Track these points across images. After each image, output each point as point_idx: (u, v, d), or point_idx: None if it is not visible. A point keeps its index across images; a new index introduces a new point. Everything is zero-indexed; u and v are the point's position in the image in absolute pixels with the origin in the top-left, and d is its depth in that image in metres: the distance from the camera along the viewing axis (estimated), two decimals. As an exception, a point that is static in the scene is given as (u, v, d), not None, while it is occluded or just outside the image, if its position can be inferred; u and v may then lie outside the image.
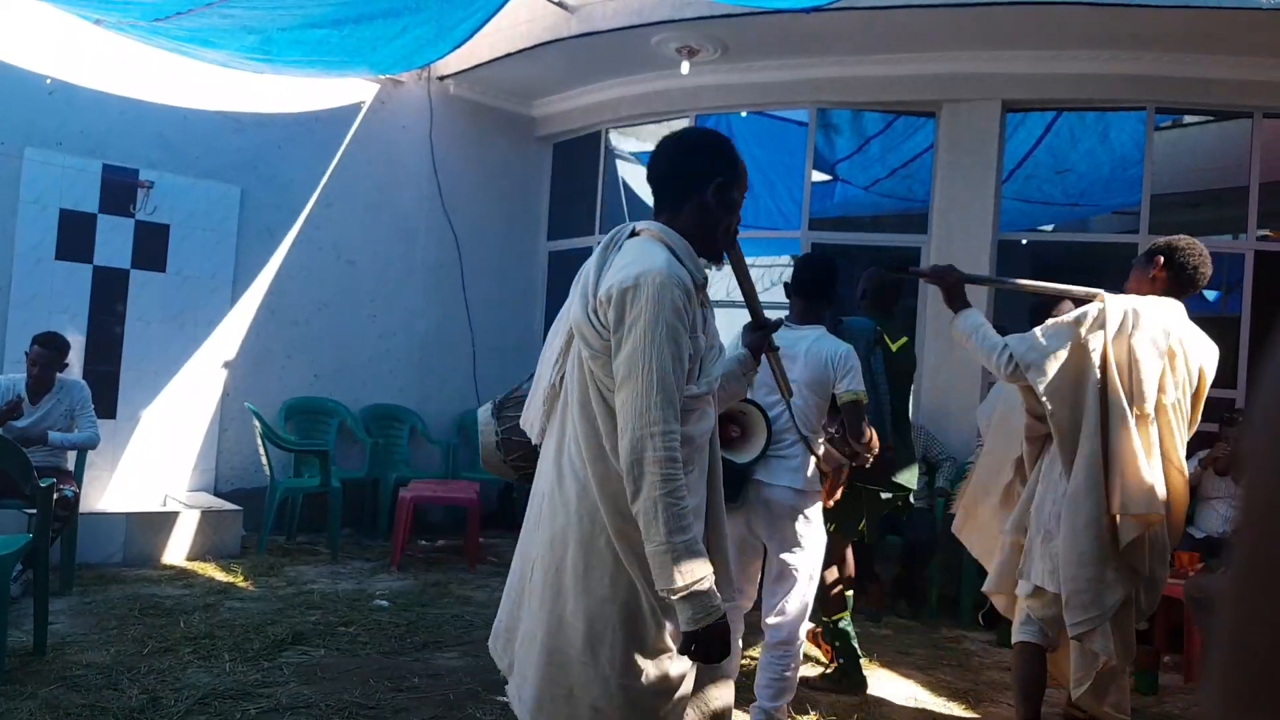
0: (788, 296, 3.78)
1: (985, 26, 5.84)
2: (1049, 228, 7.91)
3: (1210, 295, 9.57)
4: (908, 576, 5.78)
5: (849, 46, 6.33)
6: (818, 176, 7.21)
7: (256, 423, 6.35)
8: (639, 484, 1.80)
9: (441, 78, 7.50)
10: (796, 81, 6.76)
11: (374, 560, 6.27)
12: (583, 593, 1.88)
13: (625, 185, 8.23)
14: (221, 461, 6.77)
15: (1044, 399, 3.12)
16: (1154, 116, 6.35)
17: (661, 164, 2.11)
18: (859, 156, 7.65)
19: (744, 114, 7.51)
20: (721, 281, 9.31)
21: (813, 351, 3.56)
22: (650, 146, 8.78)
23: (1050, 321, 3.29)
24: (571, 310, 2.01)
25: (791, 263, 8.74)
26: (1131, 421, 3.04)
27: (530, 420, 2.14)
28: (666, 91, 7.16)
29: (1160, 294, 3.20)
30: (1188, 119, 7.57)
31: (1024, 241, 8.35)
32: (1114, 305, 3.14)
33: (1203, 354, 3.15)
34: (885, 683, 4.41)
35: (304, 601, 5.10)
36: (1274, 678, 0.37)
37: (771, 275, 9.69)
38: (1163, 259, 3.22)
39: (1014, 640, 3.40)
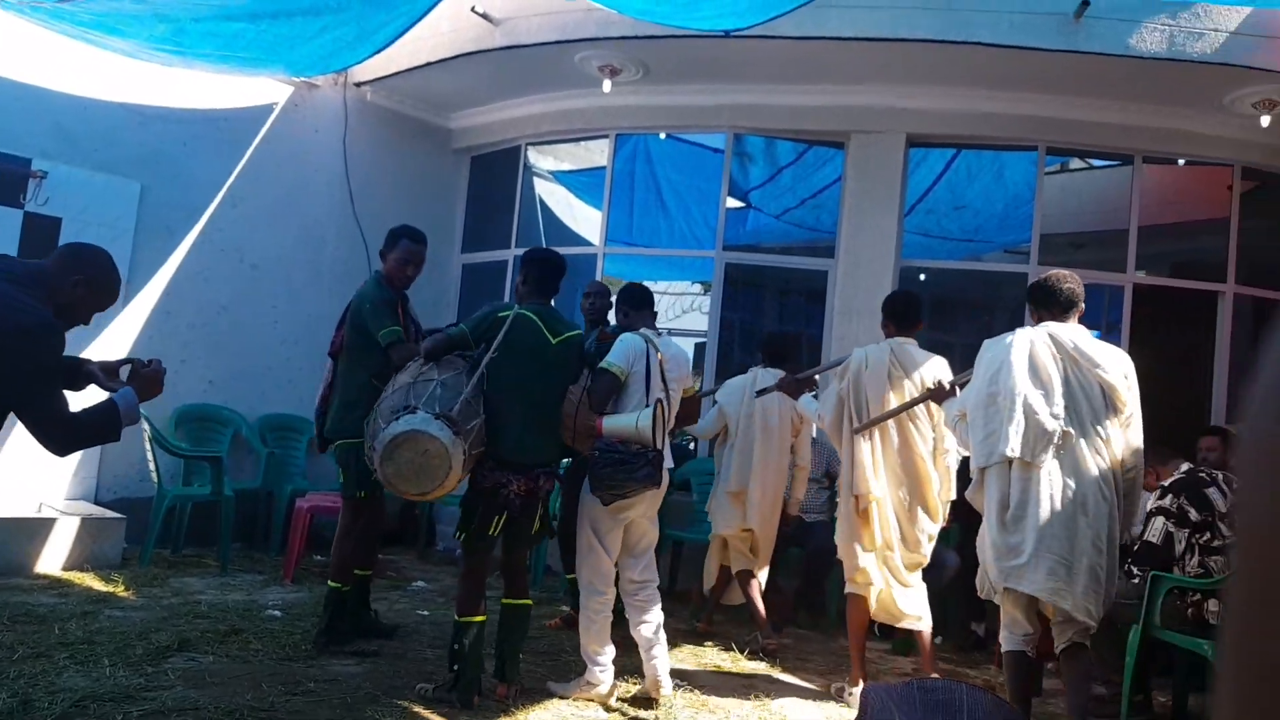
0: (627, 314, 4.43)
1: (892, 61, 6.09)
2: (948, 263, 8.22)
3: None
4: (808, 588, 5.87)
5: (766, 74, 6.52)
6: (731, 203, 7.36)
7: (145, 426, 6.08)
8: (1135, 491, 3.59)
9: (359, 84, 7.41)
10: (715, 106, 6.92)
11: (265, 574, 6.05)
12: (1109, 557, 3.43)
13: (542, 202, 8.24)
14: (104, 469, 6.45)
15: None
16: (1045, 156, 6.70)
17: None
18: (771, 185, 7.84)
19: (663, 136, 7.63)
20: (677, 303, 9.42)
21: (678, 354, 4.34)
22: (568, 165, 8.86)
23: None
24: (1101, 382, 3.47)
25: (703, 289, 8.86)
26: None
27: (1032, 448, 3.41)
28: (587, 110, 7.23)
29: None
30: (1074, 164, 8.02)
31: (922, 278, 8.67)
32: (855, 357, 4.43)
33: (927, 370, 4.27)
34: (786, 689, 4.47)
35: (190, 611, 4.88)
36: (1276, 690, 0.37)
37: (684, 302, 9.82)
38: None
39: None
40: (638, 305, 4.43)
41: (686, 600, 5.95)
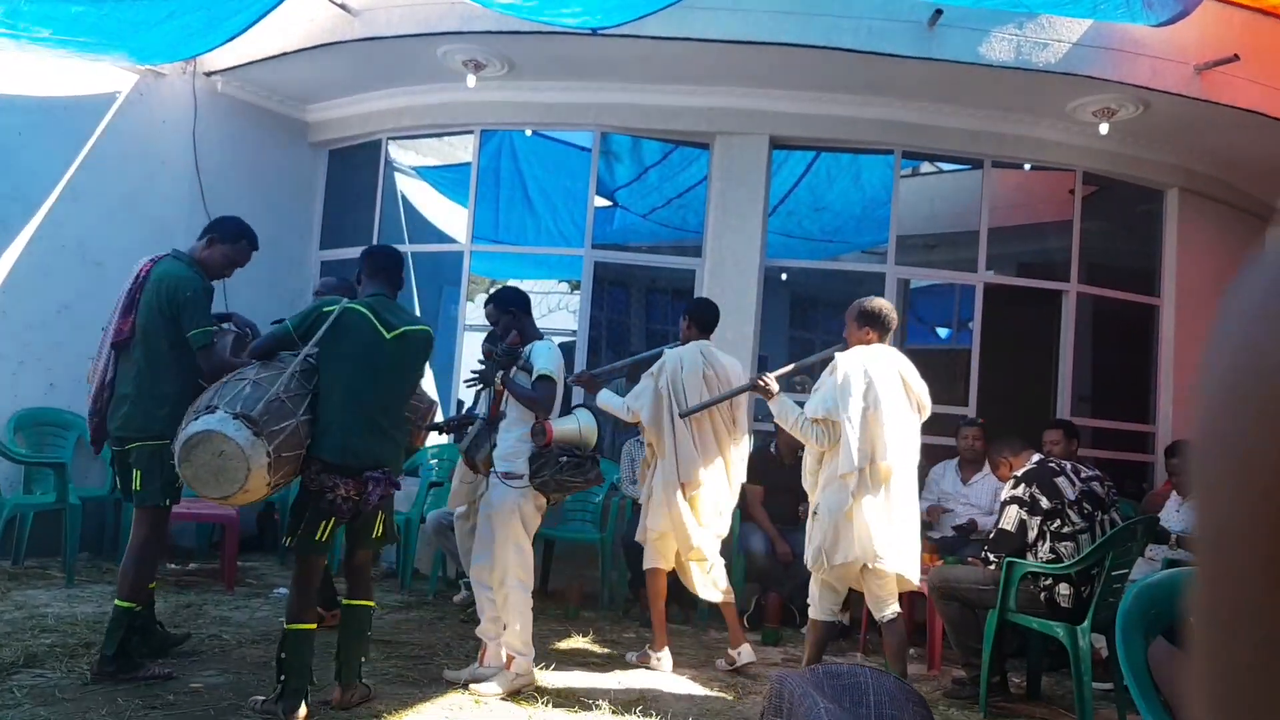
0: (517, 316, 4.46)
1: (755, 64, 6.24)
2: (809, 263, 8.50)
3: (943, 333, 10.63)
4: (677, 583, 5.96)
5: (632, 73, 6.57)
6: (598, 202, 7.39)
7: (-21, 433, 5.68)
8: None
9: (209, 73, 7.07)
10: (581, 104, 6.93)
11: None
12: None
13: (404, 198, 8.07)
14: (-68, 479, 5.98)
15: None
16: (900, 160, 7.00)
17: None
18: (638, 185, 7.92)
19: (529, 133, 7.59)
20: (544, 302, 9.36)
21: None
22: (432, 161, 8.68)
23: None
24: (917, 398, 4.28)
25: (570, 287, 8.87)
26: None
27: (898, 454, 4.14)
28: (450, 104, 7.12)
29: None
30: (925, 168, 8.41)
31: (784, 277, 8.93)
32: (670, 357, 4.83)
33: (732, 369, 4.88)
34: (660, 680, 4.57)
35: (36, 625, 4.59)
36: (1251, 699, 0.36)
37: (551, 301, 9.80)
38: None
39: None
40: (527, 308, 4.49)
41: (561, 599, 5.97)
